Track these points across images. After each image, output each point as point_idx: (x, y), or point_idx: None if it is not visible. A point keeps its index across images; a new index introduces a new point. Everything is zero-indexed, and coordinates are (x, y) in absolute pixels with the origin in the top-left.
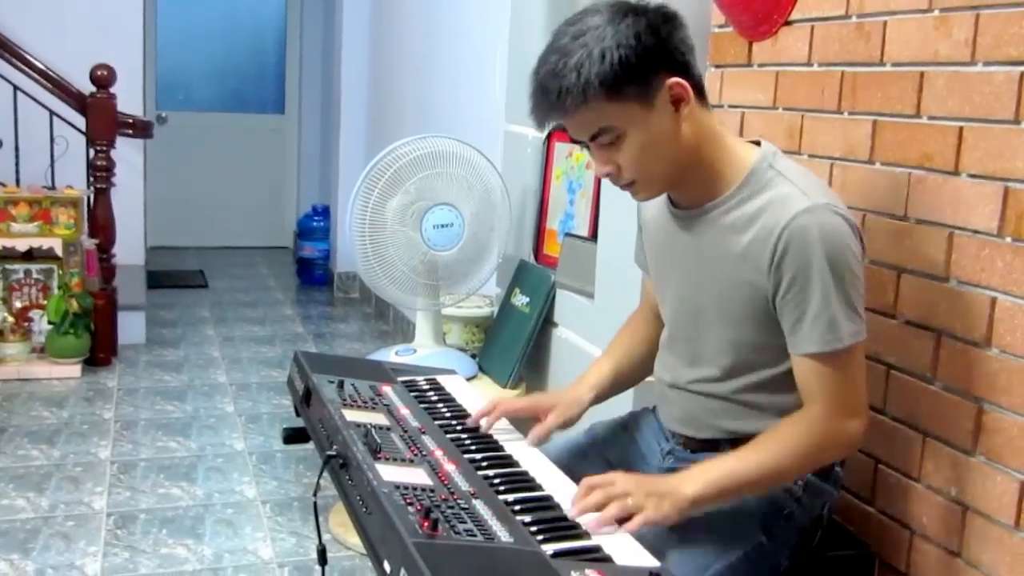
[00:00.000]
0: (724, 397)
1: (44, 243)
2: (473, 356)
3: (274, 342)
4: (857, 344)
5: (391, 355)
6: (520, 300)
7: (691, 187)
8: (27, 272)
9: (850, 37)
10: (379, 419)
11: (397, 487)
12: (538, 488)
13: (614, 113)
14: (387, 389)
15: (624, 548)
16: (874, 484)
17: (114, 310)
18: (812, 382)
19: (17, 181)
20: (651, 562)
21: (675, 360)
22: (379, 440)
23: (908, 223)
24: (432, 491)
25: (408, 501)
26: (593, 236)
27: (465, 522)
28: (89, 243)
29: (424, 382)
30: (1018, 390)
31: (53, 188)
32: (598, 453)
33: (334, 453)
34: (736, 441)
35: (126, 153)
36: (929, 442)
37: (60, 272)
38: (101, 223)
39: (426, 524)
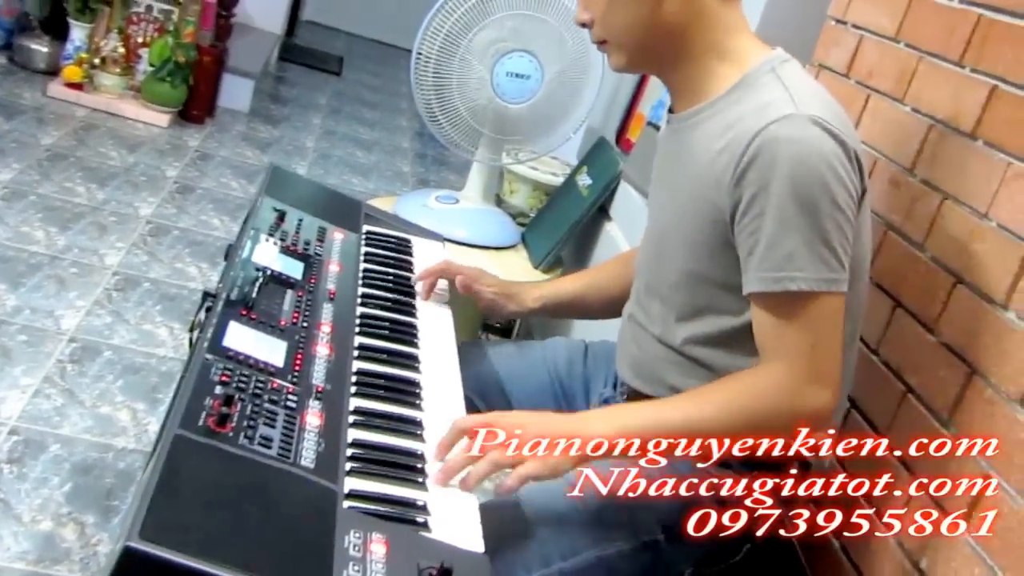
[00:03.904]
0: (674, 347)
1: None
2: (523, 225)
3: (373, 150)
4: (826, 295)
5: (431, 199)
6: (583, 180)
7: (681, 83)
8: (148, 8)
9: None
10: (292, 268)
11: (230, 357)
12: (414, 405)
13: None
14: (338, 236)
15: (458, 517)
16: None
17: (220, 70)
18: (766, 335)
19: None
20: (475, 546)
21: (636, 291)
22: (256, 294)
23: (987, 225)
24: (269, 374)
25: (225, 379)
26: None
27: (273, 426)
28: None
29: (392, 239)
30: None
31: None
32: (541, 359)
33: (212, 292)
34: None
35: None
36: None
37: (176, 17)
38: None
39: (215, 416)
